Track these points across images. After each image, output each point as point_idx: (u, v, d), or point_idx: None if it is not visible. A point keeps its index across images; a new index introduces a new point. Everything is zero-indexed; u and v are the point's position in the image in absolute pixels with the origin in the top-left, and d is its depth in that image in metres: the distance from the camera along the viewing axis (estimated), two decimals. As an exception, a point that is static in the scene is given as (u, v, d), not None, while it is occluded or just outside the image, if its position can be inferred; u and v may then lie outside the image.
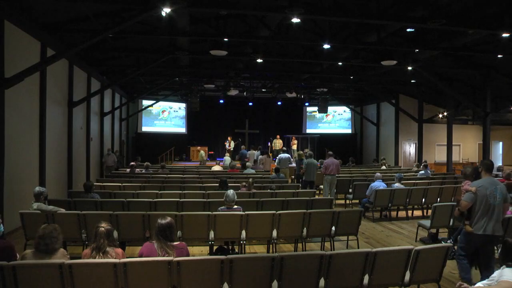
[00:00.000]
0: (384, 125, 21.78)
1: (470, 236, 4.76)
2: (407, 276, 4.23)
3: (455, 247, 6.46)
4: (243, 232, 6.00)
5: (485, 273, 4.52)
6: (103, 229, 3.64)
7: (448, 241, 6.64)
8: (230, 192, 6.13)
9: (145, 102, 22.18)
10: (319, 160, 13.55)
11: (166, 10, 7.10)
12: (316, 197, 9.60)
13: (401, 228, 8.82)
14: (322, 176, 11.15)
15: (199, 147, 20.93)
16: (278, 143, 20.78)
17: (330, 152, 11.42)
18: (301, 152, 14.09)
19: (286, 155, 14.05)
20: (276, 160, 13.98)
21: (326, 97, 20.60)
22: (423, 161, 15.59)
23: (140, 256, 3.81)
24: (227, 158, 18.62)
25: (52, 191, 9.60)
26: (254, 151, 17.91)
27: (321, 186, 11.57)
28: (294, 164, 14.68)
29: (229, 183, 9.04)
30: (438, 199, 9.55)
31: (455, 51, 11.21)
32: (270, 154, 18.97)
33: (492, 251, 4.90)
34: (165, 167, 14.26)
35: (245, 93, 19.81)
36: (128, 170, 13.51)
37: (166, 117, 23.51)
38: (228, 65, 15.51)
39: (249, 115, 22.74)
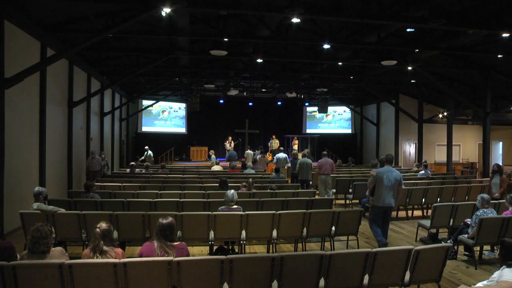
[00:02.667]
0: (384, 125, 21.76)
1: (375, 208, 6.61)
2: (407, 276, 4.23)
3: (455, 247, 6.49)
4: (243, 232, 6.00)
5: (383, 229, 6.61)
6: (98, 230, 3.64)
7: (448, 241, 6.64)
8: (230, 192, 6.13)
9: (145, 102, 22.17)
10: (318, 160, 13.59)
11: (166, 10, 7.11)
12: (316, 197, 9.60)
13: (401, 228, 8.83)
14: (317, 176, 11.22)
15: (146, 147, 17.82)
16: (274, 143, 20.86)
17: (324, 152, 11.54)
18: (295, 151, 14.16)
19: (284, 154, 14.13)
20: (274, 159, 14.05)
21: (326, 97, 20.59)
22: (423, 161, 15.57)
23: (140, 256, 3.81)
24: (213, 157, 18.61)
25: (52, 191, 9.60)
26: (250, 151, 17.89)
27: (319, 186, 11.63)
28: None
29: (229, 183, 9.04)
30: (438, 199, 9.53)
31: (455, 51, 11.20)
32: (269, 154, 19.04)
33: (389, 216, 6.82)
34: (165, 167, 14.28)
35: (245, 93, 19.77)
36: (128, 170, 13.51)
37: (166, 117, 23.50)
38: (228, 65, 15.49)
39: (249, 115, 22.71)
